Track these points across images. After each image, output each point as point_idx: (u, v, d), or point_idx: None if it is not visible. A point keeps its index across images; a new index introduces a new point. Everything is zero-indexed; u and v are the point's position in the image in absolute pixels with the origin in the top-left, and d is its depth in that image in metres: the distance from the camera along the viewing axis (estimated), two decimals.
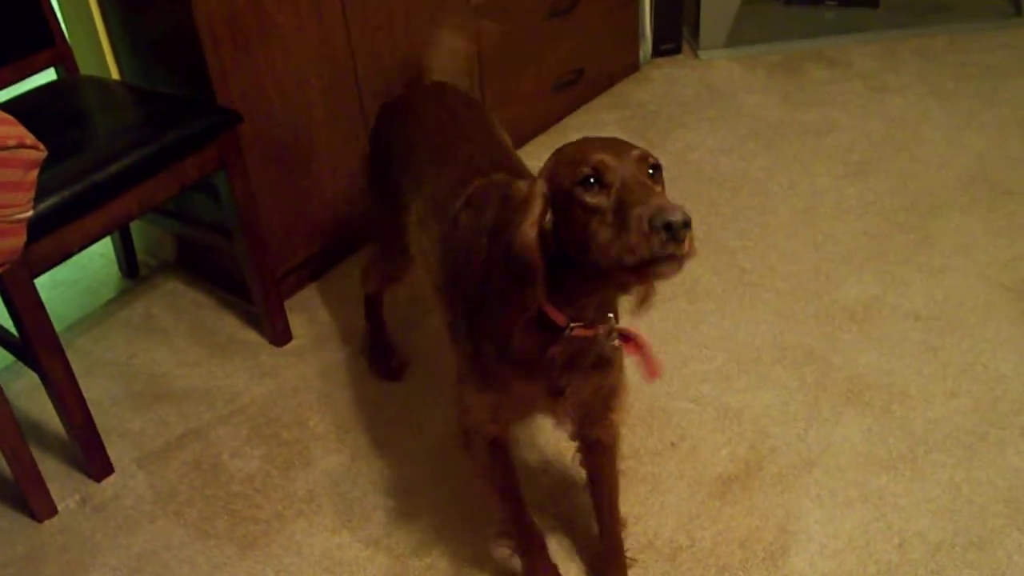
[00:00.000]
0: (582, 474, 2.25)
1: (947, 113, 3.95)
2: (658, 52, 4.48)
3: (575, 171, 1.57)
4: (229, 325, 3.11)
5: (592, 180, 1.55)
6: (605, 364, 1.91)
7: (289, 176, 3.02)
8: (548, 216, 1.63)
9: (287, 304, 3.06)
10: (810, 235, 3.31)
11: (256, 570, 2.37)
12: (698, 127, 3.96)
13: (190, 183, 2.61)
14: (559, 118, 4.01)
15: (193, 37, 2.65)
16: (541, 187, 1.64)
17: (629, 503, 2.40)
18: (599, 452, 2.16)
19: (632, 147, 1.60)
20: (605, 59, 4.15)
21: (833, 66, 4.34)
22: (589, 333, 1.77)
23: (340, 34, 3.00)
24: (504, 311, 1.75)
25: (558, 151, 1.67)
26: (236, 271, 2.98)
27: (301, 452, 2.66)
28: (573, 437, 2.17)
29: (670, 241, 1.45)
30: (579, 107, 4.10)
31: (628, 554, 2.28)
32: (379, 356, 2.88)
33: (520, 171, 2.16)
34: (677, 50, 4.50)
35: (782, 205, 3.45)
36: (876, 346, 2.85)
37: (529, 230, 1.63)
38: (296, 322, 3.06)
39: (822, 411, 2.65)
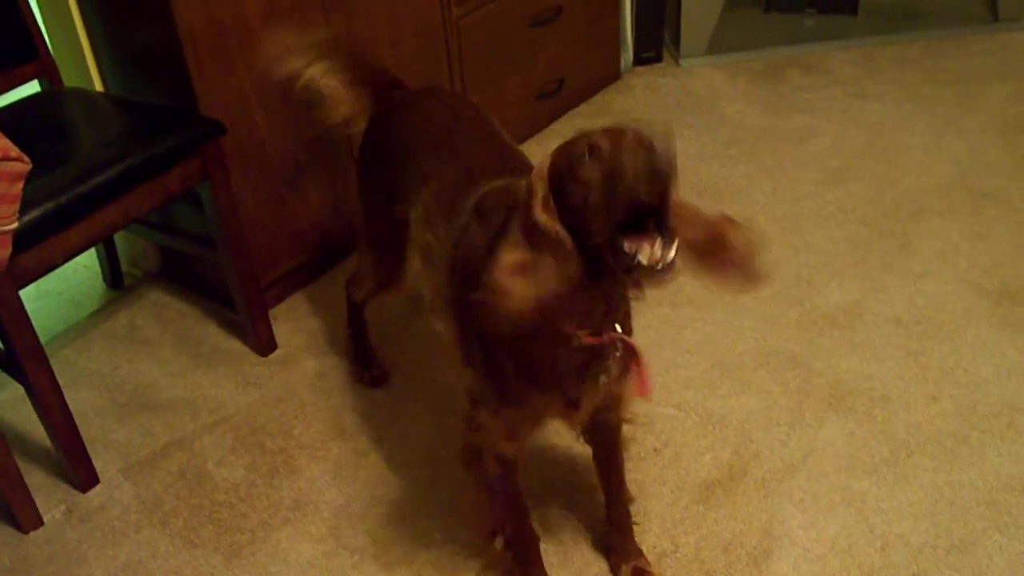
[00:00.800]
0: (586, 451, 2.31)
1: (926, 119, 3.98)
2: (639, 60, 4.49)
3: (572, 152, 1.62)
4: (214, 335, 3.11)
5: (587, 157, 1.59)
6: (612, 372, 1.92)
7: (273, 187, 3.02)
8: (551, 204, 1.65)
9: (271, 313, 3.07)
10: (791, 241, 3.33)
11: None
12: (679, 135, 3.97)
13: (174, 194, 2.62)
14: (542, 126, 4.02)
15: (176, 49, 2.66)
16: (542, 174, 1.67)
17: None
18: (606, 432, 2.20)
19: (629, 127, 1.63)
20: (587, 68, 4.17)
21: (813, 73, 4.36)
22: (595, 341, 1.79)
23: None
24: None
25: (561, 144, 1.69)
26: (220, 281, 2.98)
27: (286, 461, 2.66)
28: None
29: (654, 185, 1.51)
30: (561, 115, 4.11)
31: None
32: (362, 364, 2.89)
33: (527, 167, 2.17)
34: (658, 58, 4.52)
35: (763, 212, 3.47)
36: (857, 351, 2.87)
37: (541, 210, 1.65)
38: (281, 331, 3.06)
39: (804, 416, 2.67)
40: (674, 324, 2.98)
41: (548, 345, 1.81)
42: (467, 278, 1.95)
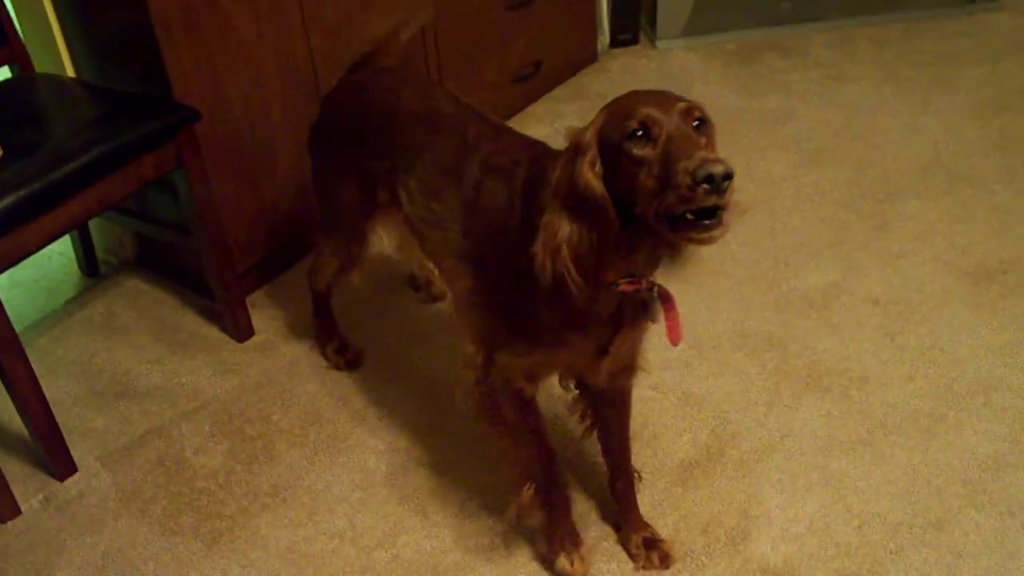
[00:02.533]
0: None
1: (903, 101, 3.99)
2: (616, 43, 4.49)
3: (623, 125, 1.63)
4: (191, 322, 3.10)
5: (639, 133, 1.62)
6: (644, 319, 1.95)
7: (249, 174, 3.01)
8: (598, 167, 1.68)
9: (249, 300, 3.06)
10: (769, 223, 3.33)
11: (222, 565, 2.37)
12: None
13: (148, 181, 2.61)
14: (519, 109, 4.02)
15: (149, 35, 2.65)
16: (593, 135, 1.69)
17: (592, 491, 2.45)
18: (618, 400, 2.23)
19: (679, 100, 1.66)
20: (563, 50, 4.16)
21: (790, 55, 4.37)
22: (632, 288, 1.82)
23: (299, 35, 3.00)
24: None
25: (608, 105, 1.72)
26: (197, 268, 2.97)
27: (265, 447, 2.66)
28: (592, 388, 2.22)
29: (712, 193, 1.53)
30: (538, 98, 4.11)
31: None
32: (332, 350, 2.90)
33: (520, 136, 2.18)
34: (635, 40, 4.52)
35: (740, 193, 3.43)
36: (835, 332, 2.88)
37: (589, 170, 1.67)
38: (258, 318, 3.06)
39: (782, 397, 2.68)
40: None
41: (587, 292, 1.82)
42: (487, 231, 2.00)
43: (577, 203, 1.69)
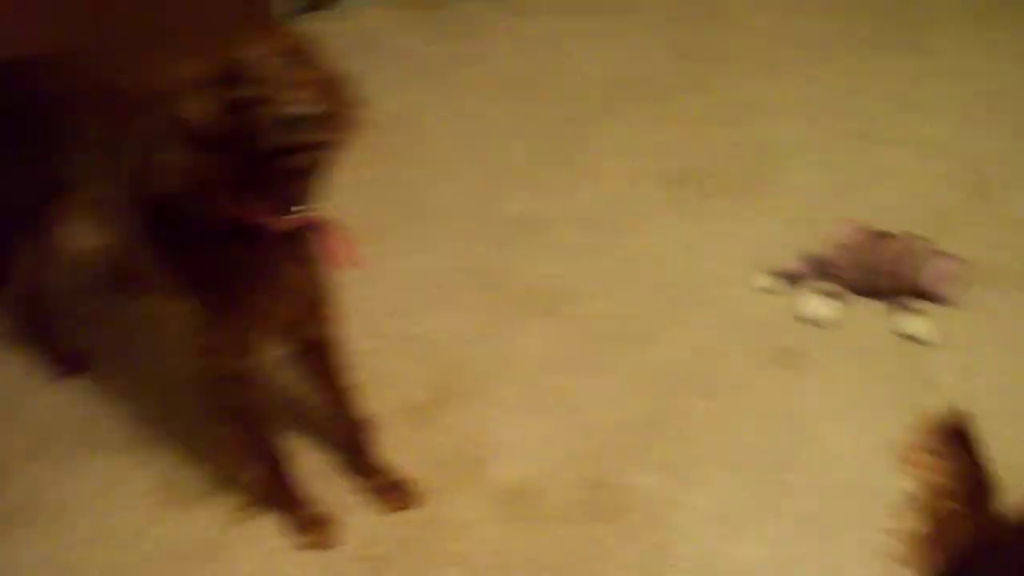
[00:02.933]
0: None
1: (588, 29, 4.14)
2: (302, 10, 4.45)
3: (227, 66, 1.67)
4: None
5: (230, 78, 1.66)
6: (312, 255, 1.97)
7: None
8: (214, 105, 1.70)
9: None
10: (472, 159, 3.44)
11: None
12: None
13: None
14: None
15: None
16: (205, 73, 1.71)
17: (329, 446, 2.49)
18: (324, 349, 2.26)
19: (282, 37, 1.74)
20: (243, 25, 4.10)
21: None
22: (280, 224, 1.82)
23: None
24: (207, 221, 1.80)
25: (219, 43, 1.73)
26: None
27: (2, 466, 2.57)
28: (295, 343, 2.24)
29: (297, 132, 1.62)
30: None
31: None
32: (56, 357, 2.81)
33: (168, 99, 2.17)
34: (320, 6, 4.49)
35: (441, 136, 3.55)
36: (546, 254, 3.00)
37: (204, 108, 1.70)
38: None
39: (503, 324, 2.78)
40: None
41: (245, 243, 1.86)
42: (152, 206, 1.97)
43: (200, 141, 1.72)
